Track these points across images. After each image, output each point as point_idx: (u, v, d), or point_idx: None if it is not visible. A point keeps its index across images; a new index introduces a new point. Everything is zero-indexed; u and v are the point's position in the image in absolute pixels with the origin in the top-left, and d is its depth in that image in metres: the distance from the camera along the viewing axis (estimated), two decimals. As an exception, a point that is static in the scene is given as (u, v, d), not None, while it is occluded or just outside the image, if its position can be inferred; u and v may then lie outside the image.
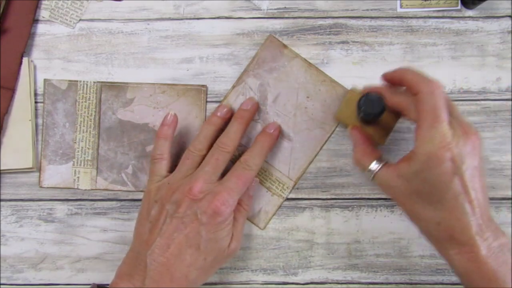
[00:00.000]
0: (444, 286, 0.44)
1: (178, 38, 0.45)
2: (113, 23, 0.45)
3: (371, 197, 0.44)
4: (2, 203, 0.45)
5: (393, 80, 0.38)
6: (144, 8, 0.45)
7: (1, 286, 0.44)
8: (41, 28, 0.45)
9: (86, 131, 0.44)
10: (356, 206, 0.44)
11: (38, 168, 0.44)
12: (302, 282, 0.44)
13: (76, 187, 0.44)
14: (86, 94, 0.44)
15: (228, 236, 0.39)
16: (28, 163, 0.44)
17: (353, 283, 0.44)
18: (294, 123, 0.44)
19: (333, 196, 0.44)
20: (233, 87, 0.44)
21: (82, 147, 0.44)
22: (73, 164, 0.44)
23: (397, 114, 0.39)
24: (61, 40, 0.45)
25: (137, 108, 0.45)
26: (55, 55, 0.45)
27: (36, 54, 0.45)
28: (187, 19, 0.45)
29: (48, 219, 0.44)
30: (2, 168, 0.43)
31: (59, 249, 0.44)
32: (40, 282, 0.44)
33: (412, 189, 0.34)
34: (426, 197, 0.34)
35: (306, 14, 0.45)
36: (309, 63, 0.44)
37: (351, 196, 0.44)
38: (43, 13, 0.45)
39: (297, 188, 0.44)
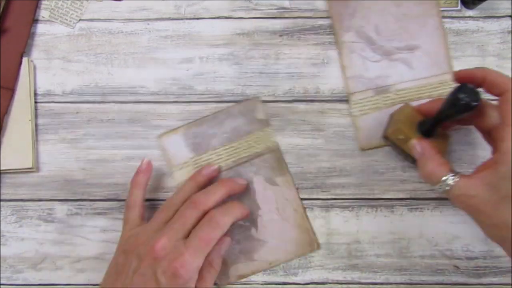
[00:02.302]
0: (444, 286, 0.44)
1: (178, 38, 0.45)
2: (113, 23, 0.45)
3: (371, 197, 0.44)
4: (2, 203, 0.45)
5: (471, 79, 0.36)
6: (144, 8, 0.45)
7: (1, 286, 0.44)
8: (41, 28, 0.45)
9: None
10: (356, 206, 0.44)
11: (37, 168, 0.44)
12: (302, 282, 0.44)
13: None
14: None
15: None
16: (28, 163, 0.44)
17: (353, 283, 0.44)
18: (408, 33, 0.44)
19: (333, 196, 0.44)
20: (340, 53, 0.44)
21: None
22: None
23: (450, 125, 0.39)
24: (61, 40, 0.45)
25: (137, 108, 0.45)
26: (55, 55, 0.45)
27: (36, 54, 0.45)
28: (187, 19, 0.45)
29: (48, 219, 0.44)
30: (2, 168, 0.43)
31: (59, 249, 0.44)
32: (40, 282, 0.44)
33: (502, 195, 0.32)
34: None
35: (306, 14, 0.45)
36: None
37: (351, 196, 0.44)
38: (43, 13, 0.45)
39: (297, 188, 0.44)
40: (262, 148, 0.44)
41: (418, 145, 0.37)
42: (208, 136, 0.44)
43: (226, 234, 0.39)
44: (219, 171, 0.43)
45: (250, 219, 0.43)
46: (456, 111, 0.35)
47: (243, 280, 0.44)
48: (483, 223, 0.34)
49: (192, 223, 0.38)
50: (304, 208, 0.44)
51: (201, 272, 0.38)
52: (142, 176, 0.42)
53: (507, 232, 0.32)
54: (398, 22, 0.44)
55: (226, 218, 0.38)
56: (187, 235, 0.37)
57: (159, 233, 0.38)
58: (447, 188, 0.35)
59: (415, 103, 0.41)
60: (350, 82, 0.44)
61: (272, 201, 0.43)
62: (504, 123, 0.32)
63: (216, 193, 0.39)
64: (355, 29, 0.44)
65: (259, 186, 0.44)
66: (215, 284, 0.43)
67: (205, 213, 0.38)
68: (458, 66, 0.44)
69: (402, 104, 0.41)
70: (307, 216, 0.44)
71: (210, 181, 0.43)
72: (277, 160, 0.44)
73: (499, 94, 0.34)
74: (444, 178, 0.35)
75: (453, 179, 0.34)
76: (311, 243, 0.43)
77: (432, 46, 0.44)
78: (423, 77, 0.44)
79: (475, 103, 0.34)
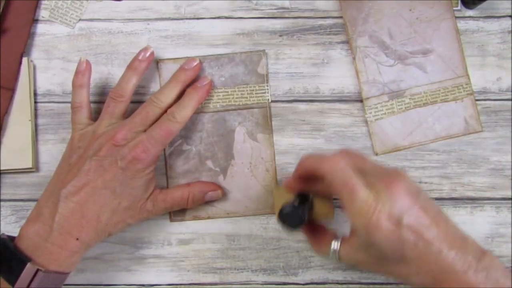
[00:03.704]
0: (444, 286, 0.44)
1: (178, 38, 0.45)
2: (113, 23, 0.45)
3: (371, 197, 0.44)
4: (2, 203, 0.45)
5: (302, 177, 0.38)
6: (144, 8, 0.45)
7: (1, 286, 0.44)
8: (40, 28, 0.45)
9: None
10: (356, 206, 0.44)
11: (37, 168, 0.44)
12: (302, 282, 0.44)
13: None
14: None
15: (146, 187, 0.39)
16: (28, 163, 0.44)
17: (354, 283, 0.44)
18: (422, 37, 0.44)
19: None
20: (354, 58, 0.44)
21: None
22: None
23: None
24: (61, 40, 0.45)
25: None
26: (54, 55, 0.45)
27: (36, 54, 0.45)
28: (187, 19, 0.45)
29: (48, 219, 0.44)
30: (2, 168, 0.43)
31: (59, 249, 0.44)
32: (40, 282, 0.44)
33: (375, 257, 0.33)
34: (391, 259, 0.33)
35: (306, 14, 0.45)
36: None
37: (351, 196, 0.44)
38: (43, 13, 0.45)
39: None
40: (253, 101, 0.44)
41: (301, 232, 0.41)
42: (205, 74, 0.44)
43: (220, 189, 0.43)
44: (153, 54, 0.42)
45: (221, 167, 0.44)
46: (291, 229, 0.38)
47: (243, 280, 0.44)
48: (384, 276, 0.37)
49: (152, 120, 0.40)
50: (276, 171, 0.44)
51: (172, 190, 0.41)
52: (81, 76, 0.42)
53: (401, 280, 0.34)
54: (411, 26, 0.44)
55: (183, 112, 0.40)
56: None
57: (119, 125, 0.39)
58: (337, 258, 0.36)
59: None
60: (364, 87, 0.44)
61: (247, 155, 0.44)
62: (341, 203, 0.34)
63: (173, 90, 0.41)
64: (369, 34, 0.44)
65: (239, 137, 0.44)
66: (169, 217, 0.44)
67: (165, 111, 0.40)
68: (458, 66, 0.44)
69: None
70: (276, 179, 0.44)
71: (149, 64, 0.42)
72: (263, 117, 0.44)
73: (322, 179, 0.34)
74: (330, 251, 0.36)
75: (335, 249, 0.36)
76: (272, 206, 0.44)
77: (446, 49, 0.44)
78: (437, 81, 0.44)
79: (296, 227, 0.37)
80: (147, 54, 0.42)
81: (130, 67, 0.42)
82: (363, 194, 0.32)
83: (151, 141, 0.38)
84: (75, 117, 0.41)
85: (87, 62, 0.42)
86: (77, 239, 0.37)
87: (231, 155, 0.44)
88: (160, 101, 0.40)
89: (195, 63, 0.43)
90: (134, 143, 0.38)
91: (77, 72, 0.42)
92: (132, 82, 0.41)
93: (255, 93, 0.44)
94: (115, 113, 0.40)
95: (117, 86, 0.41)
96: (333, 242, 0.36)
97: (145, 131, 0.39)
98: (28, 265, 0.35)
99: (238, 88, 0.44)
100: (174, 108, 0.40)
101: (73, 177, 0.38)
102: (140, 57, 0.42)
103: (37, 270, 0.35)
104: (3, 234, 0.37)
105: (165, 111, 0.40)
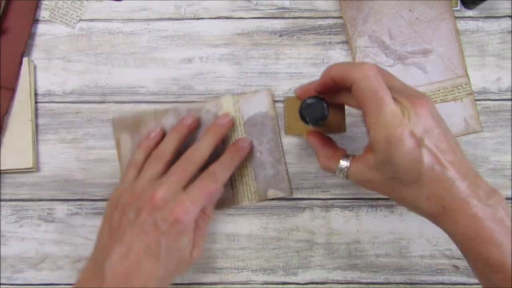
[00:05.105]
0: (444, 286, 0.44)
1: (178, 38, 0.45)
2: (113, 23, 0.45)
3: (371, 197, 0.44)
4: (2, 203, 0.45)
5: (325, 86, 0.35)
6: (144, 8, 0.45)
7: (1, 286, 0.44)
8: (41, 28, 0.45)
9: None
10: (356, 206, 0.44)
11: (37, 168, 0.44)
12: (302, 282, 0.44)
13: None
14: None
15: (190, 245, 0.38)
16: (28, 163, 0.44)
17: (353, 283, 0.44)
18: (421, 37, 0.44)
19: (333, 196, 0.44)
20: (353, 58, 0.44)
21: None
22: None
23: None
24: (61, 40, 0.45)
25: (137, 108, 0.45)
26: (55, 55, 0.45)
27: (36, 54, 0.45)
28: (187, 19, 0.45)
29: (48, 219, 0.44)
30: (2, 168, 0.43)
31: (59, 249, 0.44)
32: (40, 282, 0.44)
33: (387, 176, 0.33)
34: (404, 179, 0.32)
35: (306, 14, 0.45)
36: None
37: (351, 196, 0.44)
38: (43, 13, 0.45)
39: (297, 188, 0.44)
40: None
41: (308, 141, 0.39)
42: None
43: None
44: (198, 120, 0.44)
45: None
46: (312, 124, 0.35)
47: (243, 280, 0.44)
48: (389, 197, 0.35)
49: (189, 176, 0.39)
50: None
51: (196, 221, 0.39)
52: (153, 138, 0.43)
53: (407, 205, 0.33)
54: (411, 27, 0.44)
55: (225, 173, 0.40)
56: (185, 188, 0.39)
57: (156, 185, 0.38)
58: (344, 176, 0.36)
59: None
60: None
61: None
62: (364, 113, 0.32)
63: (208, 145, 0.41)
64: (369, 34, 0.44)
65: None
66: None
67: (201, 166, 0.40)
68: (458, 66, 0.44)
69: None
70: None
71: (193, 130, 0.44)
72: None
73: (350, 86, 0.33)
74: (337, 168, 0.36)
75: (344, 166, 0.35)
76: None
77: (446, 49, 0.44)
78: (437, 81, 0.44)
79: (321, 116, 0.34)
80: (190, 122, 0.43)
81: (174, 130, 0.42)
82: (391, 106, 0.31)
83: (192, 202, 0.37)
84: (128, 172, 0.41)
85: (159, 132, 0.43)
86: None
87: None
88: (197, 157, 0.40)
89: (228, 119, 0.43)
90: (174, 204, 0.37)
91: (147, 135, 0.43)
92: (174, 144, 0.41)
93: None
94: (155, 173, 0.40)
95: (160, 146, 0.41)
96: (342, 160, 0.35)
97: (183, 188, 0.39)
98: None
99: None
100: (216, 167, 0.40)
101: (115, 245, 0.37)
102: (184, 122, 0.43)
103: None
104: None
105: (201, 165, 0.40)
